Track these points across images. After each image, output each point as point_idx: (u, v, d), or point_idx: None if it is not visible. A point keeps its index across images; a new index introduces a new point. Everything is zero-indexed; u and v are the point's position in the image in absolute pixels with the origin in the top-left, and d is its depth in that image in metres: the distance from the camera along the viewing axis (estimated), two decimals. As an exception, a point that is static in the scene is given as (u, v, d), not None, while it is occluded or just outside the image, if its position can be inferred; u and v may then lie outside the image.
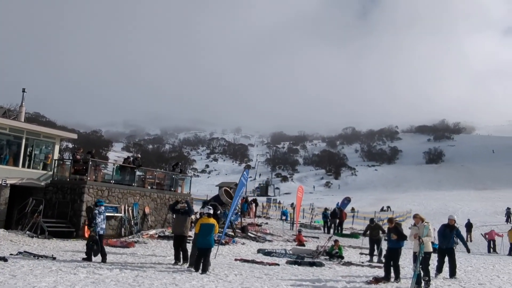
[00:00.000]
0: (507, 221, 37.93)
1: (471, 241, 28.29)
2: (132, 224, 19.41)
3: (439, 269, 11.99)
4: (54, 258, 11.47)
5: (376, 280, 10.56)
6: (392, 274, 10.82)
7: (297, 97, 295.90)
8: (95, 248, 11.76)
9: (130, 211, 19.52)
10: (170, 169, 24.46)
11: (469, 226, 29.61)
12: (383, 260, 12.51)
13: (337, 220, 27.15)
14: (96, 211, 11.96)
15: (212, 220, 11.25)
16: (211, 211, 11.59)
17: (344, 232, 26.78)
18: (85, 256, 11.86)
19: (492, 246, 23.75)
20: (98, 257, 11.69)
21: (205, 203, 22.07)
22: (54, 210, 18.46)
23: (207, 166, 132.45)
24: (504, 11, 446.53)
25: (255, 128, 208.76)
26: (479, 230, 30.86)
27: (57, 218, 18.07)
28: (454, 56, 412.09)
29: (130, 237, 18.44)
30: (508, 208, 40.29)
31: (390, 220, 11.93)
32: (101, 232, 11.89)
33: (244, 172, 15.98)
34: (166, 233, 19.00)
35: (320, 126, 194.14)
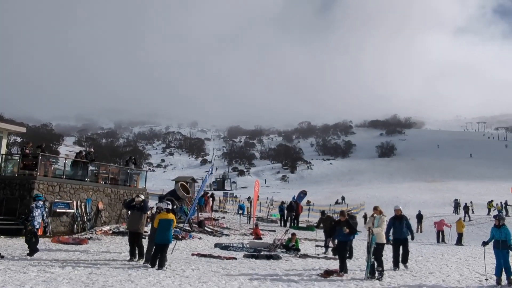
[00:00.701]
0: (455, 212, 39.53)
1: (421, 231, 29.34)
2: (85, 220, 18.87)
3: (395, 263, 11.99)
4: (2, 257, 11.00)
5: (327, 273, 10.56)
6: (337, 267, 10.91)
7: (254, 92, 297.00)
8: (34, 240, 11.73)
9: (83, 207, 18.97)
10: (124, 164, 23.91)
11: (419, 217, 30.68)
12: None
13: (293, 213, 27.45)
14: (34, 205, 11.94)
15: (171, 216, 11.11)
16: (170, 206, 11.43)
17: (300, 225, 27.14)
18: (28, 251, 11.69)
19: (441, 236, 24.68)
20: (50, 256, 11.33)
21: (161, 198, 21.73)
22: (1, 206, 17.66)
23: (162, 160, 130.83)
24: (454, 12, 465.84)
25: (211, 122, 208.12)
26: (429, 221, 32.03)
27: (5, 215, 17.29)
28: (408, 54, 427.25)
29: (83, 233, 17.92)
30: (456, 200, 42.06)
31: (342, 213, 11.63)
32: (38, 226, 11.92)
33: (209, 170, 15.69)
34: (121, 229, 18.60)
35: (276, 120, 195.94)
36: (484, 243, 10.59)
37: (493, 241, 10.30)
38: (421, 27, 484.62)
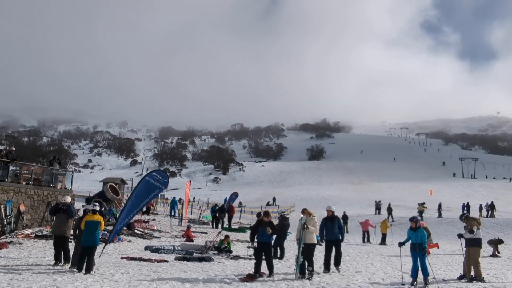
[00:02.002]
0: (376, 213, 41.43)
1: (347, 232, 30.39)
2: (5, 223, 17.72)
3: (326, 265, 11.81)
4: None
5: (250, 276, 10.30)
6: (267, 270, 10.68)
7: (189, 92, 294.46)
8: None
9: (3, 210, 17.81)
10: (48, 164, 22.75)
11: (345, 218, 31.76)
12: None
13: (224, 215, 27.47)
14: None
15: (98, 217, 10.74)
16: (97, 208, 11.04)
17: (232, 226, 27.19)
18: None
19: (366, 236, 25.74)
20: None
21: (88, 200, 20.91)
22: None
23: (90, 161, 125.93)
24: (387, 25, 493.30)
25: (142, 122, 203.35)
26: (355, 221, 33.26)
27: None
28: (343, 63, 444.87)
29: (2, 237, 16.82)
30: (376, 201, 44.15)
31: (266, 214, 11.18)
32: None
33: (154, 173, 14.95)
34: (45, 232, 17.67)
35: (209, 122, 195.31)
36: (400, 244, 10.70)
37: (409, 243, 10.47)
38: (356, 37, 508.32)
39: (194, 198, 54.50)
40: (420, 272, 10.12)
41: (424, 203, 41.53)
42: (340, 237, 12.05)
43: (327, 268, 11.73)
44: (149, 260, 13.28)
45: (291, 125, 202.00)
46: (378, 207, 42.83)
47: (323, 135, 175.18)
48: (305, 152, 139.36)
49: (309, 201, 52.55)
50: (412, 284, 10.03)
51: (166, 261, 13.28)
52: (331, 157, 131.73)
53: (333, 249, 11.93)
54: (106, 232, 17.28)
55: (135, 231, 20.69)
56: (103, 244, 14.32)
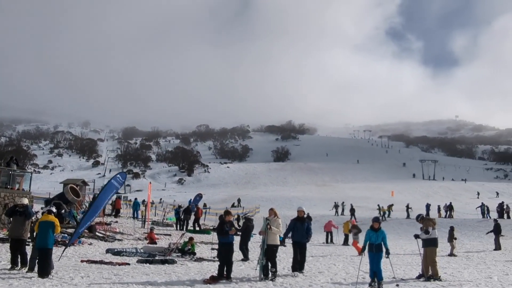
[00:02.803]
0: (336, 213, 42.18)
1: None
2: (-42, 226, 17.03)
3: (294, 267, 11.65)
4: None
5: (213, 279, 10.20)
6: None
7: (153, 93, 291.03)
8: None
9: (-44, 212, 17.11)
10: (5, 164, 21.99)
11: (308, 219, 32.11)
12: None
13: (190, 217, 27.27)
14: None
15: (52, 218, 10.42)
16: (53, 209, 10.74)
17: (196, 228, 27.01)
18: None
19: (329, 237, 26.09)
20: None
21: (48, 202, 20.36)
22: None
23: (50, 161, 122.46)
24: (353, 31, 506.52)
25: (105, 122, 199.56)
26: (319, 222, 33.64)
27: None
28: (307, 66, 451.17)
29: (-46, 241, 16.13)
30: (336, 202, 45.04)
31: (227, 213, 11.22)
32: None
33: (118, 175, 14.65)
34: (1, 235, 17.07)
35: (174, 122, 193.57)
36: (363, 249, 10.54)
37: (368, 244, 10.31)
38: (323, 42, 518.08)
39: (161, 199, 53.94)
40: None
41: (392, 205, 42.53)
42: (307, 239, 11.80)
43: (295, 270, 11.55)
44: (110, 263, 13.02)
45: (257, 126, 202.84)
46: (337, 207, 43.66)
47: (289, 136, 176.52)
48: (270, 154, 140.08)
49: (274, 202, 52.78)
50: (370, 284, 10.04)
51: (128, 264, 13.05)
52: (296, 159, 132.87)
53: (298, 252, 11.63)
54: (66, 235, 16.87)
55: (97, 233, 20.27)
56: (63, 247, 13.98)
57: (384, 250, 10.15)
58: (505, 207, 39.86)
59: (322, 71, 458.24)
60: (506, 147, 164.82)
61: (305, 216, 12.10)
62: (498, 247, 21.66)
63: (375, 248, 10.14)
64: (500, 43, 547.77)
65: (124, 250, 16.29)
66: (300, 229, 11.58)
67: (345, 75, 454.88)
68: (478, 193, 68.81)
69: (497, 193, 69.30)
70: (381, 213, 39.90)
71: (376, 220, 10.61)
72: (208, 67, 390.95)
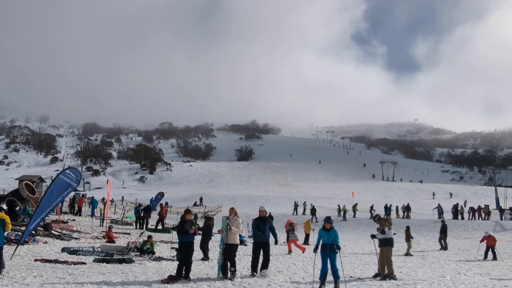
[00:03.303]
0: (295, 213, 42.64)
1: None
2: None
3: (254, 268, 11.26)
4: None
5: (171, 278, 10.02)
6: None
7: (115, 89, 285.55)
8: None
9: None
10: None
11: (270, 218, 32.28)
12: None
13: (149, 215, 26.87)
14: None
15: (2, 215, 10.01)
16: (4, 206, 10.35)
17: (159, 227, 26.62)
18: None
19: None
20: None
21: (1, 199, 19.68)
22: None
23: (5, 157, 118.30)
24: (320, 34, 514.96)
25: (65, 117, 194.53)
26: (280, 222, 33.84)
27: None
28: (274, 67, 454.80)
29: None
30: (296, 202, 45.59)
31: (187, 211, 10.90)
32: None
33: (68, 171, 14.13)
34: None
35: (136, 119, 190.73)
36: (316, 249, 10.24)
37: (320, 244, 10.10)
38: (291, 44, 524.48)
39: (122, 197, 53.05)
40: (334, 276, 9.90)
41: (356, 204, 43.28)
42: (274, 239, 11.44)
43: (254, 271, 11.21)
44: (65, 262, 12.66)
45: (221, 125, 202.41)
46: (296, 207, 44.14)
47: (252, 136, 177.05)
48: (234, 153, 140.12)
49: (236, 201, 52.82)
50: (320, 287, 9.86)
51: (84, 263, 12.72)
52: (259, 158, 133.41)
53: (261, 252, 11.32)
54: (19, 233, 16.31)
55: (52, 232, 19.69)
56: (15, 245, 13.51)
57: (337, 250, 9.98)
58: (459, 208, 41.32)
59: (288, 72, 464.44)
60: (462, 150, 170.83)
61: (267, 215, 11.76)
62: (445, 247, 22.43)
63: (329, 249, 9.93)
64: (459, 51, 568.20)
65: (81, 249, 15.89)
66: (262, 229, 11.31)
67: (311, 77, 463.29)
68: (434, 194, 71.17)
69: (451, 194, 71.89)
70: (342, 212, 40.55)
71: (327, 220, 10.31)
72: (174, 65, 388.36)
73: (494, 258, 18.02)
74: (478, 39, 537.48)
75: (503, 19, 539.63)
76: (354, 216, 40.22)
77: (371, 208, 42.04)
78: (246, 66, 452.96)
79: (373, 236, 12.34)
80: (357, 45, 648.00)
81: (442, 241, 22.77)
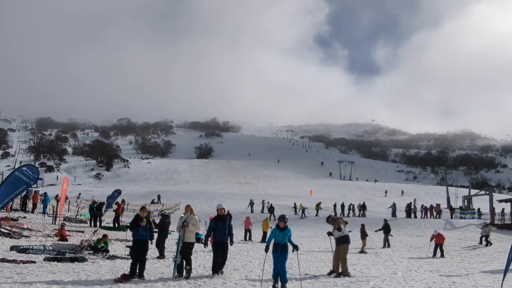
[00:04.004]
0: (251, 211, 42.80)
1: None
2: None
3: (214, 269, 10.94)
4: None
5: (124, 277, 9.82)
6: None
7: (71, 82, 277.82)
8: None
9: None
10: None
11: (229, 217, 32.23)
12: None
13: (101, 213, 26.27)
14: None
15: None
16: None
17: (115, 225, 26.07)
18: None
19: (248, 234, 26.36)
20: None
21: None
22: None
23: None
24: (283, 35, 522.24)
25: (18, 111, 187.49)
26: (238, 220, 33.86)
27: None
28: (236, 66, 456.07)
29: None
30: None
31: (142, 208, 10.71)
32: None
33: (25, 168, 13.52)
34: None
35: (93, 114, 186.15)
36: (267, 249, 9.97)
37: (272, 244, 9.79)
38: (254, 44, 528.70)
39: (79, 194, 51.62)
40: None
41: (320, 203, 43.72)
42: (230, 240, 11.07)
43: (215, 272, 10.88)
44: (13, 261, 12.19)
45: (181, 122, 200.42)
46: (252, 205, 44.41)
47: (212, 134, 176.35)
48: (193, 150, 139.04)
49: (195, 199, 52.48)
50: (273, 286, 9.64)
51: (34, 262, 12.29)
52: (219, 156, 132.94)
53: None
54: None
55: (1, 229, 18.90)
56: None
57: (289, 250, 9.71)
58: (412, 207, 42.63)
59: (250, 72, 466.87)
60: (416, 151, 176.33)
61: (226, 213, 11.36)
62: (387, 245, 23.19)
63: (281, 248, 9.61)
64: (416, 57, 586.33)
65: (31, 247, 15.33)
66: (221, 228, 10.94)
67: (273, 77, 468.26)
68: (386, 192, 73.45)
69: (402, 192, 74.48)
70: (300, 211, 40.98)
71: (282, 219, 9.93)
72: (133, 61, 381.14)
73: (442, 255, 18.73)
74: (433, 47, 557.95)
75: (457, 28, 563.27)
76: (316, 214, 40.71)
77: (335, 206, 42.71)
78: (207, 64, 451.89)
79: (329, 234, 12.51)
80: (319, 47, 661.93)
81: (385, 239, 23.57)
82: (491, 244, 23.77)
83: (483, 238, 24.38)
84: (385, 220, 25.75)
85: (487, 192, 43.10)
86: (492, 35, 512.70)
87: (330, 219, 13.14)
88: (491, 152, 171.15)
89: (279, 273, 9.60)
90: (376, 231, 25.30)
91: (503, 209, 39.71)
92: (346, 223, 12.80)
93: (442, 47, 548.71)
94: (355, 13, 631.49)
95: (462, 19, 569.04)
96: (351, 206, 43.86)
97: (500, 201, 39.88)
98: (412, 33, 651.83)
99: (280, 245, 9.62)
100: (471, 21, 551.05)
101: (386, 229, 23.84)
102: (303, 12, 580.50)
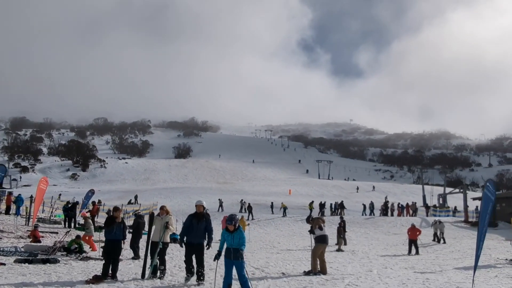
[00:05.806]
0: (240, 211, 42.68)
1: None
2: None
3: (188, 270, 9.94)
4: None
5: (96, 278, 9.61)
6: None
7: (47, 81, 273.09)
8: None
9: None
10: None
11: (207, 215, 32.12)
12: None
13: (73, 213, 25.83)
14: None
15: None
16: None
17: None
18: None
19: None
20: None
21: None
22: None
23: None
24: (268, 39, 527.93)
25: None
26: (217, 221, 33.74)
27: None
28: (218, 67, 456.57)
29: None
30: (242, 200, 45.59)
31: (115, 209, 10.40)
32: None
33: None
34: None
35: (69, 114, 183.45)
36: (218, 255, 8.50)
37: (224, 248, 8.48)
38: (238, 46, 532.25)
39: (60, 195, 50.80)
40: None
41: (312, 202, 43.74)
42: (206, 241, 9.79)
43: (189, 273, 9.90)
44: (-18, 263, 11.85)
45: (159, 122, 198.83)
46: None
47: (191, 133, 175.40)
48: (171, 150, 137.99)
49: (173, 199, 52.15)
50: None
51: (4, 264, 11.97)
52: (197, 156, 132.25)
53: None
54: None
55: (-30, 231, 18.40)
56: None
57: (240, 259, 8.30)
58: (389, 205, 43.12)
59: (233, 74, 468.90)
60: (393, 150, 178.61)
61: (205, 212, 10.14)
62: (344, 243, 23.35)
63: (233, 254, 8.24)
64: (396, 62, 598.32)
65: (1, 249, 14.94)
66: (195, 227, 9.56)
67: (256, 79, 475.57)
68: (358, 188, 74.62)
69: (374, 187, 76.46)
70: (281, 209, 41.06)
71: (230, 220, 8.56)
72: (111, 61, 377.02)
73: (417, 252, 18.92)
74: (412, 53, 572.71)
75: (435, 35, 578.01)
76: (283, 212, 40.82)
77: (320, 204, 42.95)
78: (186, 65, 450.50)
79: (311, 232, 12.51)
80: (302, 52, 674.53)
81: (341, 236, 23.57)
82: (444, 242, 23.91)
83: (439, 235, 24.49)
84: (341, 218, 26.27)
85: (461, 190, 43.89)
86: (468, 41, 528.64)
87: (310, 219, 13.15)
88: (466, 151, 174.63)
89: (239, 282, 8.29)
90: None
91: (477, 206, 40.48)
92: (324, 222, 12.83)
93: (421, 53, 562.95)
94: (338, 19, 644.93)
95: (439, 26, 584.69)
96: (334, 205, 44.19)
97: (474, 199, 40.69)
98: (393, 39, 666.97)
99: (232, 250, 8.24)
100: (448, 28, 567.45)
101: (343, 227, 23.87)
102: (288, 17, 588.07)
